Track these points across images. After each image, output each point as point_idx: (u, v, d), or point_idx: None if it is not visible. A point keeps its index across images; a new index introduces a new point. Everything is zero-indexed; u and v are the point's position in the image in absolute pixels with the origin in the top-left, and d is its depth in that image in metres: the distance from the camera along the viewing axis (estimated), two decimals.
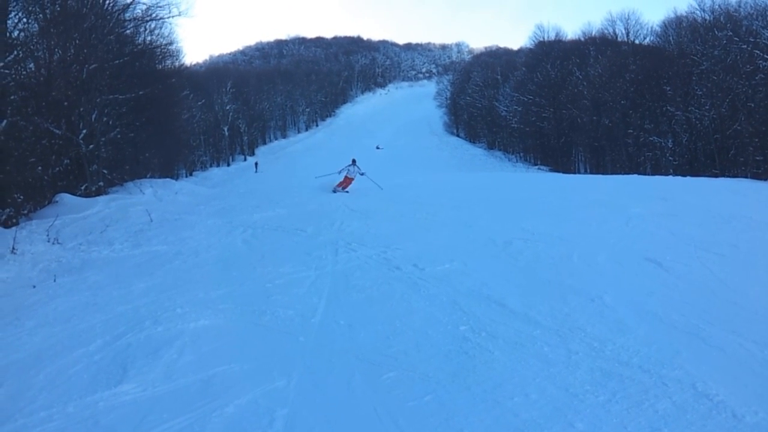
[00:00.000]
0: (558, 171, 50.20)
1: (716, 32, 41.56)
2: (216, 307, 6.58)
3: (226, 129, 71.09)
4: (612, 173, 39.44)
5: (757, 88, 35.91)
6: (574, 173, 49.34)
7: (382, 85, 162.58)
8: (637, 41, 62.25)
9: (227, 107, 72.61)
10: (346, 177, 20.12)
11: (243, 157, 75.83)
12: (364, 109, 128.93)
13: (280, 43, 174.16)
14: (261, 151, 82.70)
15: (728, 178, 27.14)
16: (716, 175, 32.05)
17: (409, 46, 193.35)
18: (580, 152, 58.80)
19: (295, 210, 14.39)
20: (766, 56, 35.94)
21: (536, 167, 60.08)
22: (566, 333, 5.40)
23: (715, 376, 4.46)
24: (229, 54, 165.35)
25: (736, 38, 38.98)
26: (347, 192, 19.16)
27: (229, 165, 69.19)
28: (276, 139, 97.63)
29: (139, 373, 4.91)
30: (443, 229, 11.04)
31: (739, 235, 9.52)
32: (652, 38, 60.40)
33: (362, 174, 20.23)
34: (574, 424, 3.83)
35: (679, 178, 26.31)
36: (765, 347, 4.97)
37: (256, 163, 63.61)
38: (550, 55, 65.37)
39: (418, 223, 11.87)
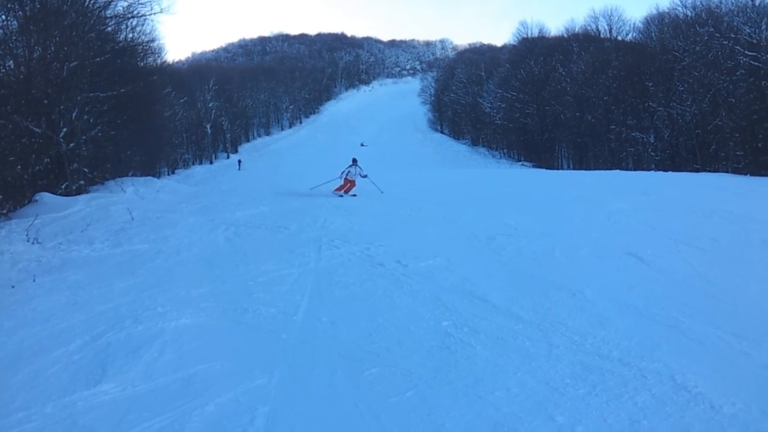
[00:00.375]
0: (541, 167, 50.51)
1: (698, 28, 41.99)
2: (197, 306, 6.53)
3: (208, 126, 70.63)
4: (595, 169, 39.80)
5: (738, 83, 36.34)
6: (558, 169, 49.67)
7: (367, 82, 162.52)
8: (619, 37, 62.84)
9: (210, 104, 72.11)
10: (346, 179, 18.22)
11: (226, 154, 75.42)
12: (349, 105, 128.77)
13: (263, 40, 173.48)
14: (244, 148, 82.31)
15: (709, 173, 27.47)
16: (697, 170, 32.42)
17: (393, 43, 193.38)
18: (563, 148, 59.20)
19: (279, 207, 14.34)
20: (746, 52, 36.37)
21: (520, 163, 60.39)
22: (548, 327, 5.43)
23: (694, 368, 4.50)
24: (212, 51, 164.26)
25: (717, 34, 39.40)
26: (355, 196, 17.34)
27: (211, 163, 68.77)
28: (259, 136, 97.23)
29: (119, 373, 4.86)
30: (427, 226, 11.06)
31: (720, 230, 9.64)
32: (634, 34, 61.07)
33: (364, 176, 18.26)
34: (555, 418, 3.85)
35: (661, 173, 26.60)
36: (743, 339, 5.03)
37: (240, 161, 63.34)
38: (534, 52, 65.75)
39: (401, 220, 11.89)
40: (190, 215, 13.49)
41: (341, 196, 17.46)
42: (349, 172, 18.40)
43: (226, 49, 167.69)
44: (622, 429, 3.70)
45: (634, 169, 37.60)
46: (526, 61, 64.70)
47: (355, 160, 18.89)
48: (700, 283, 6.83)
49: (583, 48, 58.31)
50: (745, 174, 29.60)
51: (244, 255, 9.16)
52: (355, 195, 17.48)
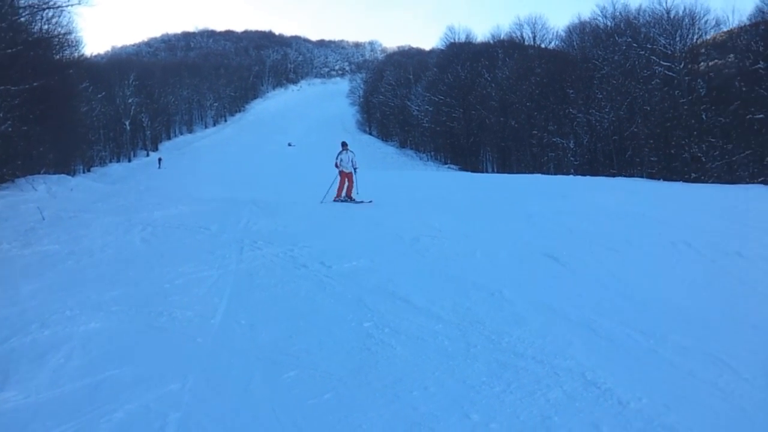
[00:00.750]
0: (467, 170, 51.58)
1: (617, 38, 44.06)
2: (109, 309, 6.24)
3: (127, 123, 68.12)
4: (517, 172, 40.93)
5: (653, 92, 38.36)
6: (482, 172, 50.82)
7: (294, 81, 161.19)
8: (543, 45, 65.06)
9: (129, 100, 69.57)
10: (341, 172, 15.27)
11: (146, 152, 72.98)
12: (276, 104, 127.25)
13: (187, 36, 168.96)
14: (165, 146, 79.86)
15: (625, 178, 28.78)
16: (614, 175, 34.00)
17: (322, 43, 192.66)
18: (488, 152, 60.73)
19: (200, 207, 13.95)
20: (661, 62, 38.41)
21: (446, 166, 61.44)
22: (466, 327, 5.51)
23: (603, 365, 4.67)
24: (133, 45, 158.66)
25: (635, 44, 41.46)
26: (370, 202, 14.62)
27: (130, 161, 66.39)
28: (181, 134, 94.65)
29: (23, 380, 4.57)
30: (352, 227, 11.04)
31: (632, 232, 10.10)
32: (557, 42, 63.40)
33: (356, 169, 15.57)
34: (470, 415, 3.90)
35: (580, 177, 27.71)
36: (651, 337, 5.26)
37: (160, 159, 61.32)
38: (461, 57, 67.14)
39: (326, 221, 11.82)
40: (105, 215, 12.91)
41: (344, 200, 14.98)
42: (341, 159, 15.32)
43: (148, 44, 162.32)
44: (534, 425, 3.79)
45: (555, 173, 38.96)
46: (453, 65, 66.00)
47: (345, 144, 15.78)
48: (612, 283, 7.11)
49: (508, 54, 60.05)
50: (658, 179, 31.29)
51: (161, 256, 8.84)
52: (370, 202, 14.64)
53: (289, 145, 73.43)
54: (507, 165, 54.45)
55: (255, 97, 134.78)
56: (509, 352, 4.93)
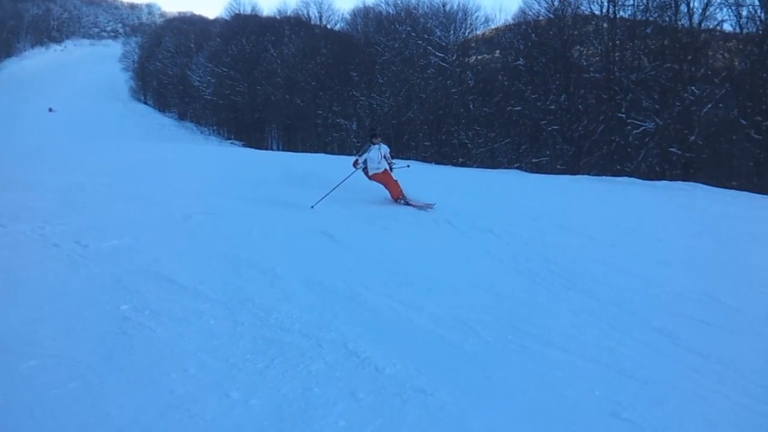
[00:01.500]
0: (251, 146, 50.74)
1: (398, 26, 46.35)
2: None
3: None
4: (302, 152, 41.30)
5: (429, 80, 41.18)
6: (267, 149, 50.43)
7: (58, 41, 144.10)
8: (329, 26, 65.97)
9: None
10: (375, 175, 11.39)
11: None
12: (35, 65, 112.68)
13: None
14: None
15: (401, 160, 30.54)
16: (392, 157, 35.88)
17: (92, 1, 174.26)
18: (273, 129, 60.37)
19: None
20: (436, 53, 41.28)
21: (230, 141, 60.00)
22: (235, 305, 5.41)
23: (365, 335, 4.91)
24: None
25: (413, 34, 44.03)
26: (431, 207, 10.83)
27: None
28: None
29: None
30: (117, 203, 10.16)
31: (401, 211, 10.72)
32: (342, 25, 64.68)
33: (391, 166, 11.65)
34: (230, 394, 3.85)
35: None
36: (410, 307, 5.66)
37: None
38: (246, 29, 65.54)
39: (88, 196, 10.72)
40: None
41: (426, 207, 10.85)
42: (367, 158, 11.22)
43: None
44: (294, 397, 3.87)
45: (339, 154, 40.08)
46: (237, 37, 64.18)
47: (375, 135, 11.66)
48: (381, 259, 7.53)
49: (295, 32, 59.98)
50: (431, 162, 33.84)
51: None
52: (427, 207, 10.83)
53: (50, 110, 65.54)
54: (293, 143, 54.67)
55: (9, 55, 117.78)
56: (276, 328, 4.95)
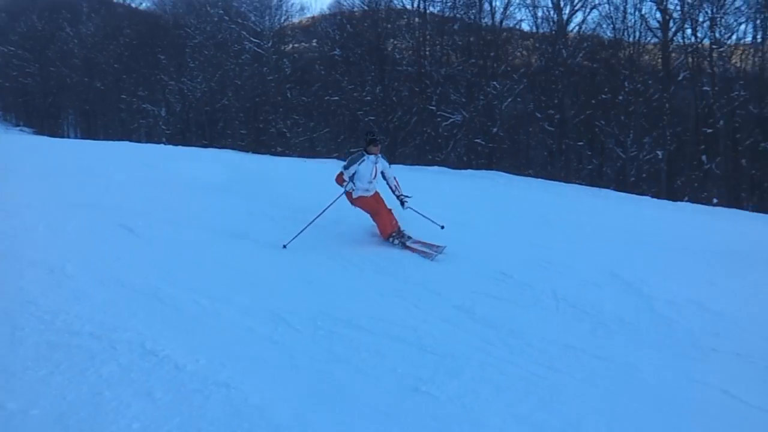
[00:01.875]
0: (44, 134, 45.77)
1: (209, 9, 44.39)
2: None
3: None
4: (105, 139, 38.12)
5: (244, 67, 40.11)
6: (63, 137, 45.85)
7: None
8: (133, 5, 61.42)
9: None
10: (359, 199, 8.05)
11: None
12: None
13: None
14: None
15: (216, 149, 29.50)
16: (206, 146, 34.50)
17: None
18: (70, 115, 55.11)
19: None
20: (252, 39, 40.28)
21: (18, 128, 53.72)
22: (14, 309, 4.90)
23: (165, 333, 4.72)
24: None
25: (227, 17, 42.47)
26: (440, 250, 7.55)
27: None
28: None
29: None
30: None
31: (215, 202, 10.26)
32: (148, 5, 60.45)
33: (394, 190, 8.29)
34: (6, 405, 3.51)
35: (171, 146, 27.30)
36: (216, 301, 5.56)
37: None
38: (38, 5, 58.77)
39: None
40: None
41: (403, 245, 7.84)
42: (357, 169, 7.92)
43: None
44: (82, 403, 3.62)
45: (146, 142, 37.70)
46: (27, 13, 57.33)
47: (373, 139, 8.13)
48: (186, 252, 7.25)
49: (94, 10, 55.01)
50: (248, 152, 33.07)
51: None
52: (439, 248, 7.58)
53: None
54: (93, 130, 50.21)
55: None
56: (63, 331, 4.58)
